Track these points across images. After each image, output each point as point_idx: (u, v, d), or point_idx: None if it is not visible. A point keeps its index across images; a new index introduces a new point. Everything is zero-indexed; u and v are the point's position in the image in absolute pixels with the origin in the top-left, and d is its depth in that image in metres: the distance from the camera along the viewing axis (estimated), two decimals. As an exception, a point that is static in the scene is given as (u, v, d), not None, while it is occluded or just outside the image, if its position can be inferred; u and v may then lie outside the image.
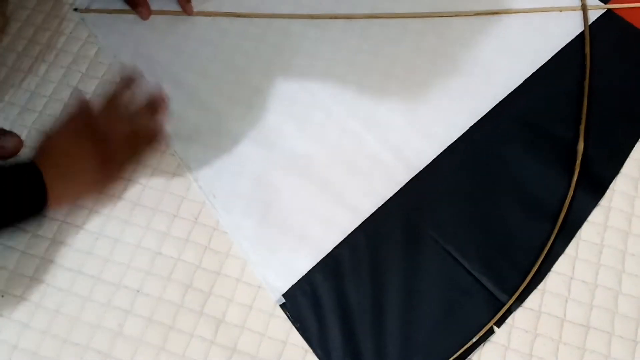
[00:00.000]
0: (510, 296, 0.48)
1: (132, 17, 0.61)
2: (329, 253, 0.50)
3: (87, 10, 0.61)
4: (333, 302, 0.48)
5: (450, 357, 0.46)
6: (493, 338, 0.47)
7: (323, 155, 0.54)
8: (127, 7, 0.61)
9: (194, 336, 0.47)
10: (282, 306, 0.48)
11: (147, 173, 0.53)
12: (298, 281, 0.49)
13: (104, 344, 0.47)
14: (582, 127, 0.54)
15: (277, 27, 0.60)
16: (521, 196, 0.52)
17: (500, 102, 0.56)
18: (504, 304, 0.48)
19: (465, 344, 0.46)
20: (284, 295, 0.48)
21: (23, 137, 0.55)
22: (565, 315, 0.48)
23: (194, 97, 0.57)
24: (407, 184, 0.52)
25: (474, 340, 0.47)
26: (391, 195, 0.52)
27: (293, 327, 0.48)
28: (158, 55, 0.59)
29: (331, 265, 0.49)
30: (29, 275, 0.49)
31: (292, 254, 0.50)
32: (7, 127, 0.55)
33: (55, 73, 0.58)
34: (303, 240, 0.50)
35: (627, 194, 0.52)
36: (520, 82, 0.56)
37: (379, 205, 0.51)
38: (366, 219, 0.51)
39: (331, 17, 0.60)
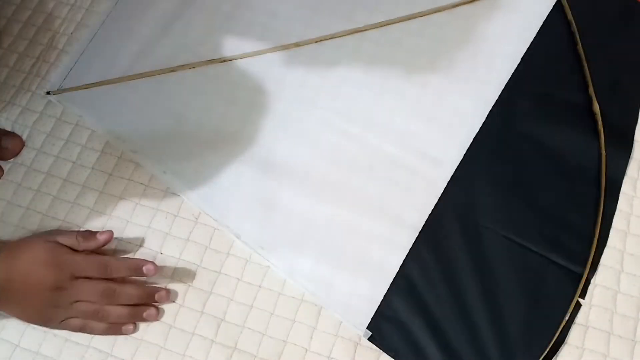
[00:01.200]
0: (584, 265, 0.48)
1: (111, 86, 0.57)
2: (398, 273, 0.49)
3: (61, 90, 0.57)
4: (418, 319, 0.47)
5: (550, 342, 0.46)
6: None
7: (358, 178, 0.52)
8: (104, 78, 0.57)
9: (195, 335, 0.48)
10: (371, 339, 0.47)
11: (148, 174, 0.54)
12: (377, 309, 0.48)
13: (105, 343, 0.47)
14: (591, 90, 0.55)
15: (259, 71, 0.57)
16: (558, 167, 0.53)
17: (506, 84, 0.56)
18: (580, 275, 0.48)
19: (558, 325, 0.46)
20: (368, 328, 0.47)
21: (24, 137, 0.55)
22: (564, 314, 0.48)
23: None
24: (447, 186, 0.52)
25: (567, 317, 0.47)
26: (436, 201, 0.51)
27: (294, 326, 0.48)
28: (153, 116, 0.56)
29: (403, 284, 0.49)
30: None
31: (361, 284, 0.49)
32: (8, 128, 0.55)
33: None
34: (367, 268, 0.49)
35: (626, 193, 0.52)
36: (518, 61, 0.57)
37: (428, 213, 0.51)
38: (421, 231, 0.50)
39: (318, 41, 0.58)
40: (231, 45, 0.58)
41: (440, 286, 0.49)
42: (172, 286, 0.49)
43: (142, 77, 0.57)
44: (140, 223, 0.52)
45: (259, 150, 0.54)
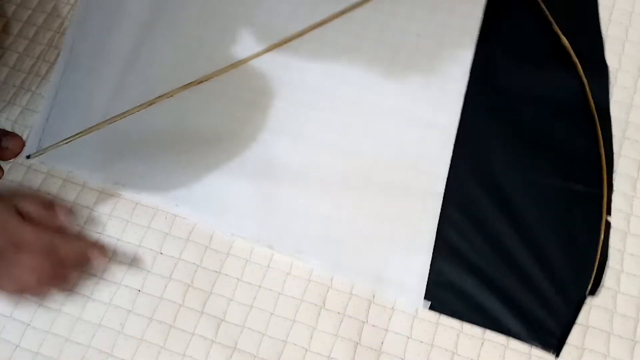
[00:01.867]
0: (600, 186, 0.52)
1: (94, 133, 0.54)
2: (436, 239, 0.50)
3: (41, 152, 0.54)
4: (469, 277, 0.49)
5: (595, 261, 0.49)
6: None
7: (375, 163, 0.54)
8: (83, 127, 0.54)
9: (195, 335, 0.48)
10: (431, 308, 0.48)
11: (148, 173, 0.54)
12: (429, 279, 0.49)
13: (105, 343, 0.47)
14: (555, 27, 0.58)
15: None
16: (548, 106, 0.55)
17: (476, 43, 0.58)
18: (600, 195, 0.51)
19: (597, 247, 0.49)
20: (426, 298, 0.48)
21: (24, 137, 0.55)
22: (564, 314, 0.48)
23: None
24: (454, 149, 0.54)
25: (602, 237, 0.50)
26: (448, 167, 0.53)
27: (294, 326, 0.48)
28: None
29: (445, 247, 0.50)
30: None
31: (404, 260, 0.50)
32: (8, 128, 0.55)
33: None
34: (402, 242, 0.50)
35: (626, 194, 0.52)
36: (480, 18, 0.59)
37: (445, 178, 0.52)
38: (444, 196, 0.52)
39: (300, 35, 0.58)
40: (207, 65, 0.57)
41: (479, 241, 0.50)
42: (172, 286, 0.49)
43: (123, 117, 0.55)
44: (140, 223, 0.52)
45: (257, 152, 0.54)
